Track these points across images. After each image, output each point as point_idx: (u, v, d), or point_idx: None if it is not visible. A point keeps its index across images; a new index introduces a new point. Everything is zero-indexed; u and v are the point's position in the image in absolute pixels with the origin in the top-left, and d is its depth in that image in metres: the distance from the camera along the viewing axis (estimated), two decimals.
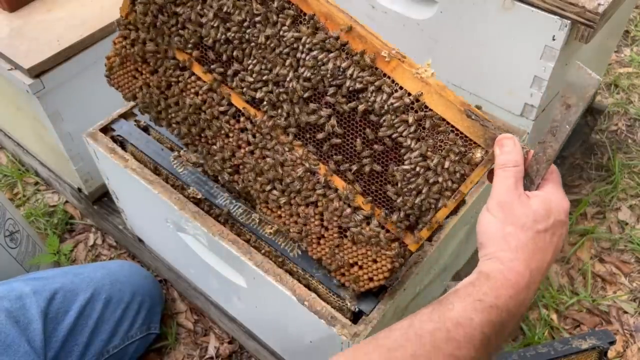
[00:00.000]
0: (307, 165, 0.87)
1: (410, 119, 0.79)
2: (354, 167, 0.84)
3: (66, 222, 1.60)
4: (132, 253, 1.52)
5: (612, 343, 0.95)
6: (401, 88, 0.79)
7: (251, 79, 0.88)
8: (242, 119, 0.91)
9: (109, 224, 1.50)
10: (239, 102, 0.91)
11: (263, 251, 0.96)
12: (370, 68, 0.80)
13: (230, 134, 0.92)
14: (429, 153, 0.79)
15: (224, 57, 0.90)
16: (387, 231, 0.84)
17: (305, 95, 0.84)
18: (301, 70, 0.83)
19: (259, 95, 0.88)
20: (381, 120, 0.80)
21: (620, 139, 1.77)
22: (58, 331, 1.09)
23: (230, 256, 0.97)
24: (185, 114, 0.95)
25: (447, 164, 0.78)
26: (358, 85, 0.81)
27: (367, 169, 0.83)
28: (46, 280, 1.14)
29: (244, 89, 0.89)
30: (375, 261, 0.85)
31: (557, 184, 0.72)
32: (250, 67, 0.88)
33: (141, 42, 0.96)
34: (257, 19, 0.85)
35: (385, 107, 0.79)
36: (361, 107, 0.81)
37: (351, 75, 0.81)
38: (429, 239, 0.85)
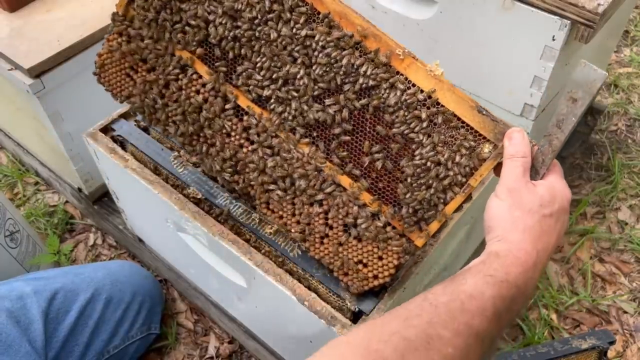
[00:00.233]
0: (314, 163, 0.87)
1: (423, 115, 0.81)
2: (366, 162, 0.85)
3: (66, 222, 1.60)
4: (132, 253, 1.52)
5: (612, 343, 0.95)
6: (414, 85, 0.82)
7: (259, 77, 0.88)
8: (245, 117, 0.91)
9: (109, 224, 1.50)
10: (243, 101, 0.91)
11: (263, 251, 0.96)
12: (385, 65, 0.82)
13: (233, 133, 0.92)
14: (439, 148, 0.81)
15: (230, 55, 0.90)
16: (393, 228, 0.85)
17: (316, 92, 0.85)
18: (313, 67, 0.85)
19: (266, 93, 0.88)
20: (394, 117, 0.83)
21: (620, 139, 1.77)
22: (59, 331, 1.09)
23: (230, 256, 0.98)
24: (185, 113, 0.94)
25: (457, 159, 0.80)
26: (371, 83, 0.83)
27: (379, 164, 0.84)
28: (47, 280, 1.14)
29: (251, 87, 0.89)
30: (381, 258, 0.85)
31: (560, 175, 0.77)
32: (259, 64, 0.88)
33: (139, 38, 0.94)
34: (270, 16, 0.85)
35: (399, 103, 0.82)
36: (374, 103, 0.83)
37: (365, 72, 0.83)
38: (434, 236, 0.86)
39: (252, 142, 0.91)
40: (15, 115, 1.47)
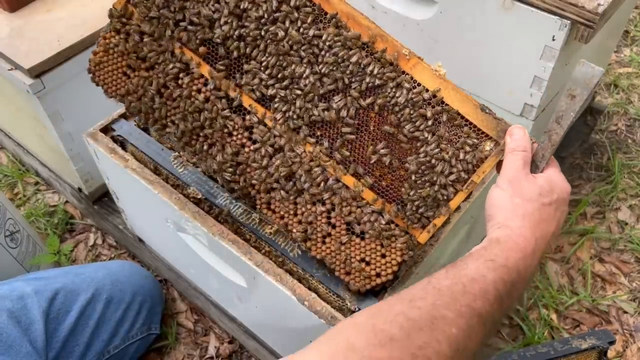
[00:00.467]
0: (317, 162, 0.87)
1: (429, 113, 0.83)
2: (373, 159, 0.86)
3: (66, 222, 1.60)
4: (132, 253, 1.52)
5: (612, 343, 0.95)
6: (419, 84, 0.84)
7: (264, 76, 0.88)
8: (247, 116, 0.91)
9: (109, 224, 1.50)
10: (246, 100, 0.91)
11: (263, 251, 0.96)
12: (391, 65, 0.84)
13: (235, 132, 0.91)
14: (443, 145, 0.83)
15: (235, 54, 0.90)
16: (397, 225, 0.86)
17: (322, 91, 0.86)
18: (319, 67, 0.85)
19: (270, 92, 0.89)
20: (399, 115, 0.84)
21: (620, 139, 1.77)
22: (59, 331, 1.09)
23: (230, 256, 0.98)
24: (185, 113, 0.94)
25: (461, 156, 0.83)
26: (378, 82, 0.84)
27: (386, 160, 0.86)
28: (47, 280, 1.14)
29: (255, 86, 0.89)
30: (384, 256, 0.86)
31: (559, 169, 0.80)
32: (264, 63, 0.88)
33: (138, 36, 0.94)
34: (276, 15, 0.86)
35: (405, 102, 0.83)
36: (379, 102, 0.84)
37: (371, 71, 0.84)
38: (435, 234, 0.87)
39: (254, 142, 0.91)
40: (16, 115, 1.47)
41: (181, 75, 0.93)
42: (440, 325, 0.62)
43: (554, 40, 1.04)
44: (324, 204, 0.88)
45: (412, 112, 0.84)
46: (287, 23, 0.86)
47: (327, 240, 0.88)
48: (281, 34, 0.86)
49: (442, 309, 0.63)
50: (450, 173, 0.83)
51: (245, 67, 0.90)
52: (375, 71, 0.84)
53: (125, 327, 1.21)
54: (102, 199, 1.52)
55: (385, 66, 0.84)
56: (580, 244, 1.52)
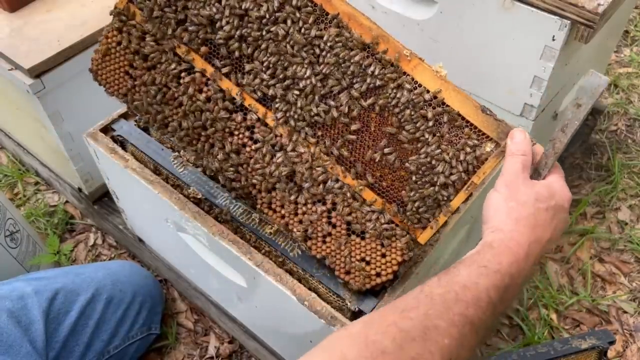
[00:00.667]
0: (318, 162, 0.87)
1: (429, 114, 0.83)
2: (377, 158, 0.86)
3: (66, 222, 1.60)
4: (132, 253, 1.52)
5: (612, 343, 0.95)
6: (420, 85, 0.84)
7: (265, 76, 0.88)
8: (249, 116, 0.91)
9: (109, 224, 1.50)
10: (247, 100, 0.91)
11: (263, 251, 0.96)
12: (393, 66, 0.84)
13: (236, 132, 0.92)
14: (444, 146, 0.83)
15: (236, 54, 0.90)
16: (397, 225, 0.86)
17: (323, 92, 0.86)
18: (320, 67, 0.86)
19: (271, 92, 0.89)
20: (400, 116, 0.84)
21: (620, 139, 1.77)
22: (59, 331, 1.09)
23: (230, 256, 0.98)
24: (186, 112, 0.94)
25: (462, 156, 0.83)
26: (379, 82, 0.84)
27: (391, 158, 0.86)
28: (47, 280, 1.14)
29: (256, 86, 0.89)
30: (384, 255, 0.86)
31: (561, 176, 0.79)
32: (266, 63, 0.88)
33: (140, 35, 0.94)
34: (278, 15, 0.86)
35: (406, 103, 0.83)
36: (380, 102, 0.84)
37: (373, 72, 0.84)
38: (435, 234, 0.87)
39: (255, 142, 0.91)
40: (16, 115, 1.47)
41: (183, 75, 0.93)
42: (433, 336, 0.61)
43: (554, 40, 1.04)
44: (324, 203, 0.88)
45: (412, 113, 0.84)
46: (289, 23, 0.86)
47: (328, 239, 0.88)
48: (282, 34, 0.86)
49: (434, 319, 0.63)
50: (451, 174, 0.83)
51: (247, 67, 0.90)
52: (376, 72, 0.84)
53: (126, 327, 1.20)
54: (102, 199, 1.52)
55: (386, 67, 0.84)
56: (580, 244, 1.52)
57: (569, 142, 0.78)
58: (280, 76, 0.88)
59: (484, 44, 1.15)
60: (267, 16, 0.87)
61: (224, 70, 0.91)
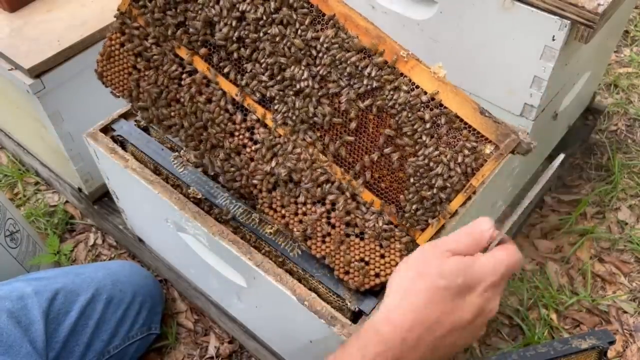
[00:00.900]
0: (317, 163, 0.87)
1: (427, 116, 0.83)
2: (375, 158, 0.86)
3: (66, 222, 1.60)
4: (132, 253, 1.52)
5: (612, 343, 0.95)
6: (417, 87, 0.83)
7: (264, 78, 0.88)
8: (248, 117, 0.91)
9: (109, 224, 1.50)
10: (247, 101, 0.91)
11: (263, 251, 0.96)
12: (389, 67, 0.83)
13: (236, 133, 0.92)
14: (442, 148, 0.83)
15: (235, 55, 0.90)
16: (396, 226, 0.86)
17: (320, 93, 0.85)
18: (317, 68, 0.85)
19: (270, 93, 0.89)
20: (397, 118, 0.84)
21: (620, 139, 1.77)
22: (59, 331, 1.09)
23: (230, 256, 0.98)
24: (187, 113, 0.94)
25: (460, 159, 0.82)
26: (375, 84, 0.84)
27: (395, 156, 0.85)
28: (47, 280, 1.14)
29: (255, 88, 0.90)
30: (383, 256, 0.86)
31: (501, 259, 0.64)
32: (264, 65, 0.88)
33: (142, 37, 0.94)
34: (275, 16, 0.86)
35: (403, 104, 0.83)
36: (378, 104, 0.84)
37: (369, 74, 0.83)
38: (435, 234, 0.87)
39: (255, 142, 0.91)
40: (16, 115, 1.47)
41: (183, 76, 0.94)
42: None
43: (554, 40, 1.04)
44: (323, 204, 0.88)
45: (410, 114, 0.84)
46: (286, 25, 0.86)
47: (327, 239, 0.88)
48: (280, 35, 0.86)
49: None
50: (449, 176, 0.83)
51: (246, 68, 0.90)
52: (373, 73, 0.84)
53: (126, 327, 1.21)
54: (102, 199, 1.52)
55: (383, 68, 0.84)
56: (580, 244, 1.52)
57: (506, 230, 0.70)
58: (279, 77, 0.88)
59: (484, 44, 1.15)
60: (264, 18, 0.87)
61: (224, 71, 0.91)
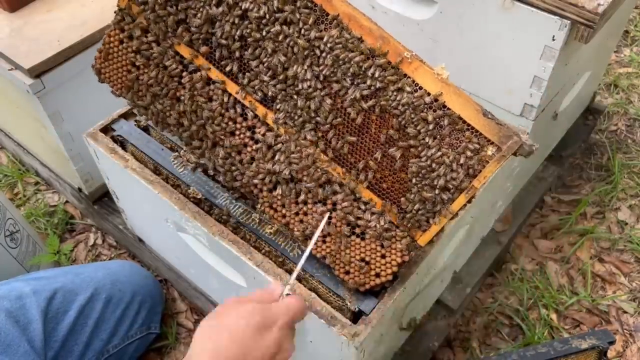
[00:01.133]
0: (319, 163, 0.87)
1: (430, 117, 0.83)
2: (378, 158, 0.86)
3: (66, 222, 1.60)
4: (132, 253, 1.52)
5: (612, 343, 0.95)
6: (421, 88, 0.83)
7: (266, 78, 0.88)
8: (249, 116, 0.91)
9: (109, 223, 1.50)
10: (248, 100, 0.91)
11: (263, 251, 0.96)
12: (393, 68, 0.83)
13: (237, 132, 0.92)
14: (444, 149, 0.82)
15: (237, 54, 0.90)
16: (397, 227, 0.86)
17: (323, 93, 0.85)
18: (320, 68, 0.85)
19: (272, 92, 0.89)
20: (400, 119, 0.84)
21: (620, 139, 1.77)
22: (58, 331, 1.09)
23: (230, 256, 0.98)
24: (187, 112, 0.94)
25: (462, 160, 0.82)
26: (379, 85, 0.84)
27: (398, 154, 0.86)
28: (46, 280, 1.14)
29: (257, 87, 0.89)
30: (384, 256, 0.86)
31: (292, 303, 0.74)
32: (266, 64, 0.88)
33: (142, 34, 0.94)
34: (278, 15, 0.86)
35: (406, 105, 0.83)
36: (381, 104, 0.84)
37: (372, 74, 0.83)
38: (436, 235, 0.87)
39: (256, 142, 0.91)
40: (16, 115, 1.47)
41: (184, 74, 0.93)
42: None
43: (554, 40, 1.04)
44: (325, 204, 0.88)
45: (413, 115, 0.84)
46: (289, 24, 0.86)
47: (328, 239, 0.88)
48: (282, 35, 0.86)
49: None
50: (451, 177, 0.83)
51: (248, 67, 0.90)
52: (377, 74, 0.84)
53: (125, 326, 1.20)
54: (102, 199, 1.52)
55: (387, 69, 0.84)
56: (580, 244, 1.52)
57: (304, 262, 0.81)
58: (281, 77, 0.88)
59: (484, 44, 1.15)
60: (267, 17, 0.87)
61: (225, 70, 0.91)
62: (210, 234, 0.98)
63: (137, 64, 0.95)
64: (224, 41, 0.90)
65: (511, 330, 1.37)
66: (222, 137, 0.92)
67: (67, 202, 1.65)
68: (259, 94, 0.90)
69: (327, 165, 0.88)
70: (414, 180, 0.85)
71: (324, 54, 0.85)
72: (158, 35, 0.93)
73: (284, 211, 0.90)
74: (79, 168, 1.43)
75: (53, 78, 1.25)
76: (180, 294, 1.43)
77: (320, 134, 0.88)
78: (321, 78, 0.86)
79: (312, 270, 0.92)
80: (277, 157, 0.89)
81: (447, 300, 1.28)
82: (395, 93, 0.84)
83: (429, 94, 0.83)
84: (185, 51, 0.93)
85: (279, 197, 0.90)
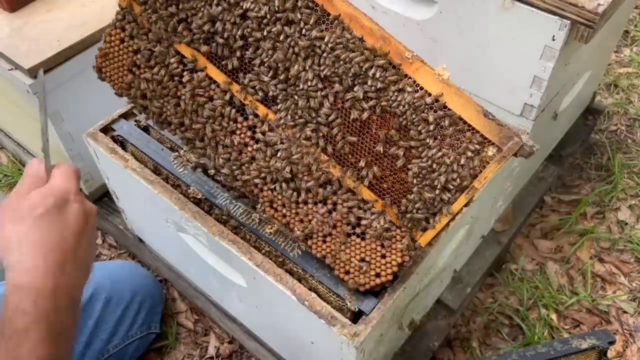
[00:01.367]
0: (319, 163, 0.87)
1: (430, 118, 0.83)
2: (380, 149, 0.86)
3: None
4: (132, 253, 1.52)
5: (612, 343, 0.95)
6: (422, 88, 0.83)
7: (267, 78, 0.88)
8: (250, 116, 0.91)
9: (109, 224, 1.50)
10: (249, 100, 0.91)
11: (263, 251, 0.96)
12: (394, 68, 0.84)
13: (238, 132, 0.92)
14: (445, 150, 0.83)
15: (238, 54, 0.90)
16: (397, 227, 0.86)
17: (324, 93, 0.85)
18: (321, 68, 0.85)
19: (273, 92, 0.89)
20: (401, 119, 0.84)
21: (620, 139, 1.77)
22: None
23: (230, 256, 0.98)
24: (188, 111, 0.94)
25: (463, 161, 0.82)
26: (380, 85, 0.84)
27: (400, 152, 0.86)
28: None
29: (257, 86, 0.89)
30: (384, 256, 0.86)
31: (65, 170, 0.75)
32: (267, 64, 0.88)
33: (142, 34, 0.94)
34: (279, 15, 0.86)
35: (407, 106, 0.83)
36: (382, 104, 0.84)
37: (373, 74, 0.83)
38: (436, 235, 0.87)
39: (257, 141, 0.91)
40: (16, 115, 1.47)
41: (184, 74, 0.93)
42: None
43: (554, 40, 1.04)
44: (325, 203, 0.88)
45: (414, 116, 0.84)
46: (290, 24, 0.86)
47: (328, 239, 0.88)
48: (283, 34, 0.86)
49: None
50: (452, 178, 0.83)
51: (248, 67, 0.90)
52: (378, 74, 0.84)
53: (125, 326, 1.20)
54: (102, 199, 1.52)
55: (388, 69, 0.84)
56: (580, 244, 1.52)
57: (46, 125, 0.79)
58: (282, 77, 0.88)
59: (484, 44, 1.15)
60: (268, 16, 0.87)
61: (226, 69, 0.91)
62: (210, 234, 0.98)
63: (138, 63, 0.95)
64: (224, 41, 0.90)
65: (511, 330, 1.37)
66: (223, 136, 0.92)
67: None
68: (260, 93, 0.90)
69: (327, 165, 0.88)
70: (414, 181, 0.85)
71: (324, 54, 0.86)
72: (159, 34, 0.93)
73: (284, 211, 0.90)
74: (79, 168, 1.43)
75: (53, 78, 1.25)
76: (180, 294, 1.43)
77: (321, 134, 0.88)
78: (322, 78, 0.86)
79: (312, 270, 0.93)
80: (277, 157, 0.89)
81: (447, 300, 1.28)
82: (396, 93, 0.84)
83: (429, 95, 0.83)
84: (186, 51, 0.93)
85: (279, 197, 0.90)
